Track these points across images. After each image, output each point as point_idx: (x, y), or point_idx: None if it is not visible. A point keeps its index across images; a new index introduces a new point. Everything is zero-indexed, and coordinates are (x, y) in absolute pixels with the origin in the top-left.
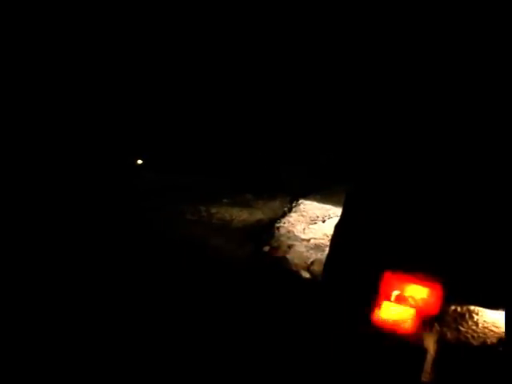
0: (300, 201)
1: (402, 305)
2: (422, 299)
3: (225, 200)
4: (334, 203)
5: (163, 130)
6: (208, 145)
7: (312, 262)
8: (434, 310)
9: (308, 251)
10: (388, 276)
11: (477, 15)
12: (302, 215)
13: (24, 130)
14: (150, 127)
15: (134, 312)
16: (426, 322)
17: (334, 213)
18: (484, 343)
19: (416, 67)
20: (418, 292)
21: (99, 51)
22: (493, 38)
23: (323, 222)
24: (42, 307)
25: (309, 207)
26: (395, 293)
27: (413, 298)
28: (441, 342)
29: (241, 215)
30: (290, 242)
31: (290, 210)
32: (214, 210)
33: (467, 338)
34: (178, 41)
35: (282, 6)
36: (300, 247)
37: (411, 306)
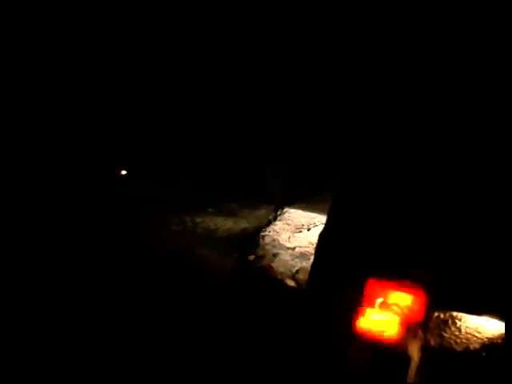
0: (285, 209)
1: (386, 312)
2: (406, 306)
3: (210, 209)
4: (320, 211)
5: (147, 138)
6: (192, 152)
7: (297, 271)
8: (418, 316)
9: (293, 260)
10: (372, 283)
11: (476, 15)
12: (287, 223)
13: (13, 137)
14: (133, 136)
15: (120, 322)
16: (410, 328)
17: (320, 221)
18: (467, 348)
19: (402, 67)
20: (402, 299)
21: (89, 62)
22: (492, 38)
23: (308, 230)
24: (29, 316)
25: (294, 215)
26: (379, 300)
27: (397, 305)
28: (425, 348)
29: (226, 224)
30: (275, 251)
31: (274, 219)
32: (198, 220)
33: (450, 343)
34: (166, 53)
35: (274, 6)
36: (285, 256)
37: (395, 313)
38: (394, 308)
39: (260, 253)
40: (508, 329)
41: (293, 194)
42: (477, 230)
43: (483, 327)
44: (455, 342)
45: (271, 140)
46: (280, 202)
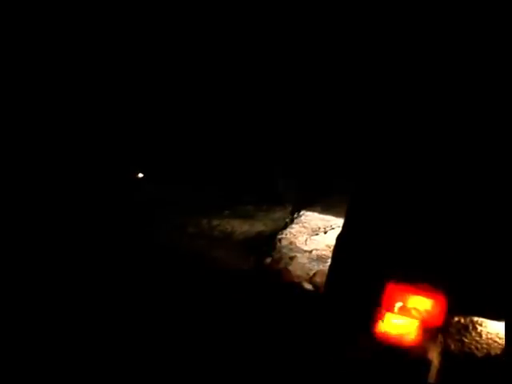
0: (301, 212)
1: (406, 316)
2: (426, 311)
3: (226, 212)
4: (336, 214)
5: (163, 142)
6: (207, 154)
7: (314, 274)
8: (438, 321)
9: (310, 263)
10: (391, 287)
11: (476, 16)
12: (304, 226)
13: (25, 139)
14: (150, 140)
15: (136, 323)
16: (430, 333)
17: (336, 224)
18: (488, 354)
19: (415, 70)
20: (422, 303)
21: (99, 63)
22: (492, 39)
23: (325, 233)
24: (37, 314)
25: (310, 218)
26: (398, 304)
27: (416, 309)
28: (445, 353)
29: (242, 227)
30: (291, 254)
31: (291, 222)
32: (215, 222)
33: (471, 349)
34: (171, 57)
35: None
36: (302, 259)
37: (415, 317)
38: (414, 312)
39: (276, 256)
40: (508, 331)
41: (304, 194)
42: (498, 234)
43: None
44: (476, 347)
45: (281, 140)
46: (292, 201)
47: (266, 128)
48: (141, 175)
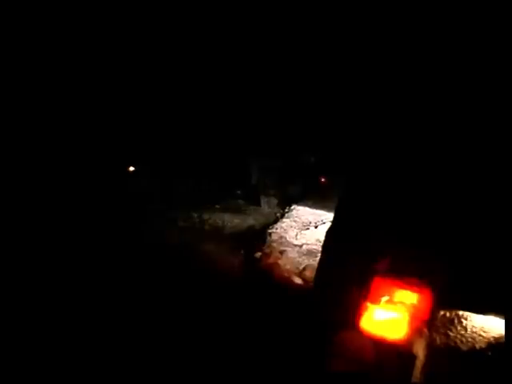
0: (292, 206)
1: (392, 310)
2: (412, 304)
3: (217, 206)
4: (327, 208)
5: (155, 137)
6: (197, 150)
7: (304, 268)
8: (424, 315)
9: (300, 257)
10: (377, 281)
11: (476, 16)
12: (295, 221)
13: (21, 135)
14: (142, 135)
15: (126, 317)
16: (416, 327)
17: (327, 218)
18: (473, 348)
19: (406, 66)
20: (408, 297)
21: (96, 63)
22: (492, 39)
23: (316, 227)
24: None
25: (301, 213)
26: (385, 298)
27: (402, 303)
28: (430, 347)
29: (233, 221)
30: (282, 248)
31: (282, 216)
32: (206, 216)
33: (456, 342)
34: (177, 57)
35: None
36: (292, 253)
37: (401, 311)
38: (400, 306)
39: (267, 250)
40: (508, 328)
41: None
42: (483, 229)
43: (489, 326)
44: (461, 341)
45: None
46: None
47: (253, 121)
48: (132, 169)
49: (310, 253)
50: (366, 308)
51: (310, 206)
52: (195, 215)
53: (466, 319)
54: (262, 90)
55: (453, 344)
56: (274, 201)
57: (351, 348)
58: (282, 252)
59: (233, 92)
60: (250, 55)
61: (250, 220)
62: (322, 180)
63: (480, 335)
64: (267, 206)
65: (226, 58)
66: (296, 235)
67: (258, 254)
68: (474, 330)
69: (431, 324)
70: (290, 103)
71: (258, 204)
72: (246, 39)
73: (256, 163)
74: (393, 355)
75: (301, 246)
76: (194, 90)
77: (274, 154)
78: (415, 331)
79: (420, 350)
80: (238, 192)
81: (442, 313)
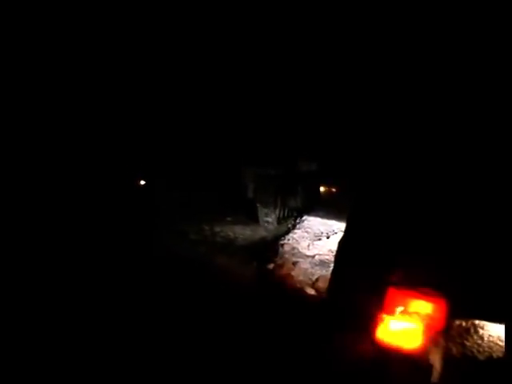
0: (304, 217)
1: (407, 321)
2: (427, 314)
3: (228, 218)
4: (338, 218)
5: (164, 149)
6: (207, 163)
7: (317, 279)
8: (439, 325)
9: (313, 268)
10: (392, 292)
11: (476, 17)
12: (307, 231)
13: (32, 148)
14: (151, 147)
15: (139, 329)
16: (431, 337)
17: (339, 228)
18: (490, 357)
19: (418, 73)
20: (423, 307)
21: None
22: (493, 40)
23: (328, 237)
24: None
25: (313, 223)
26: (399, 308)
27: (417, 313)
28: (446, 357)
29: (244, 233)
30: (294, 259)
31: (294, 227)
32: (217, 229)
33: (473, 352)
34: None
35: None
36: (305, 264)
37: (416, 321)
38: (415, 316)
39: (279, 261)
40: (508, 333)
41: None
42: (498, 238)
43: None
44: (478, 350)
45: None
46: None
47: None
48: (143, 182)
49: (322, 263)
50: (381, 319)
51: (321, 217)
52: (206, 228)
53: (482, 328)
54: (259, 91)
55: (469, 353)
56: (273, 216)
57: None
58: (294, 263)
59: (228, 93)
60: (249, 55)
61: (262, 231)
62: (333, 189)
63: (497, 344)
64: (266, 222)
65: (226, 57)
66: (308, 246)
67: (271, 266)
68: (491, 339)
69: (447, 334)
70: (286, 105)
71: (257, 220)
72: (244, 43)
73: (251, 173)
74: (409, 365)
75: (313, 257)
76: (194, 96)
77: (270, 162)
78: (431, 341)
79: (436, 359)
80: (228, 219)
81: (457, 322)
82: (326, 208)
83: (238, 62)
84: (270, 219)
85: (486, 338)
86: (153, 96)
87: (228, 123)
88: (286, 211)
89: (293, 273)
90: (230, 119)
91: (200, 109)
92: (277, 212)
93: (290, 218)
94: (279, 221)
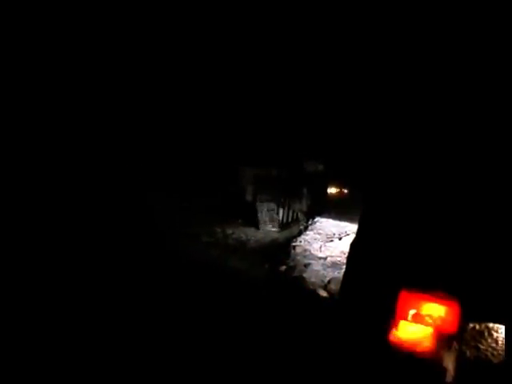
0: (316, 218)
1: (420, 324)
2: (440, 318)
3: (240, 220)
4: (350, 220)
5: (174, 152)
6: (219, 164)
7: (329, 281)
8: (452, 328)
9: (325, 269)
10: (405, 295)
11: (476, 17)
12: (319, 233)
13: (35, 152)
14: (161, 151)
15: (152, 330)
16: (445, 340)
17: (351, 230)
18: (505, 361)
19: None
20: (436, 310)
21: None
22: (493, 40)
23: (340, 239)
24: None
25: (325, 225)
26: (412, 312)
27: (430, 316)
28: (460, 360)
29: (256, 235)
30: (306, 261)
31: (306, 229)
32: (229, 231)
33: (487, 355)
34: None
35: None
36: (317, 266)
37: (429, 324)
38: (428, 319)
39: (291, 263)
40: (508, 337)
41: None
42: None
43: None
44: (492, 353)
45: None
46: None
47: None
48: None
49: (334, 265)
50: (394, 322)
51: (333, 218)
52: (219, 230)
53: (496, 331)
54: (261, 89)
55: (483, 357)
56: (275, 221)
57: None
58: (306, 265)
59: (229, 91)
60: (250, 55)
61: (274, 233)
62: (344, 191)
63: None
64: (267, 227)
65: (226, 58)
66: (320, 247)
67: (283, 268)
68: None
69: (460, 337)
70: (290, 104)
71: (257, 226)
72: (244, 43)
73: (249, 174)
74: (422, 368)
75: (325, 259)
76: (195, 97)
77: (271, 162)
78: (444, 344)
79: (450, 363)
80: (240, 221)
81: (471, 325)
82: (337, 209)
83: (245, 61)
84: (270, 225)
85: (500, 342)
86: (153, 96)
87: (227, 121)
88: (291, 215)
89: (305, 275)
90: (229, 117)
91: (200, 107)
92: (280, 216)
93: (295, 222)
94: (283, 226)
